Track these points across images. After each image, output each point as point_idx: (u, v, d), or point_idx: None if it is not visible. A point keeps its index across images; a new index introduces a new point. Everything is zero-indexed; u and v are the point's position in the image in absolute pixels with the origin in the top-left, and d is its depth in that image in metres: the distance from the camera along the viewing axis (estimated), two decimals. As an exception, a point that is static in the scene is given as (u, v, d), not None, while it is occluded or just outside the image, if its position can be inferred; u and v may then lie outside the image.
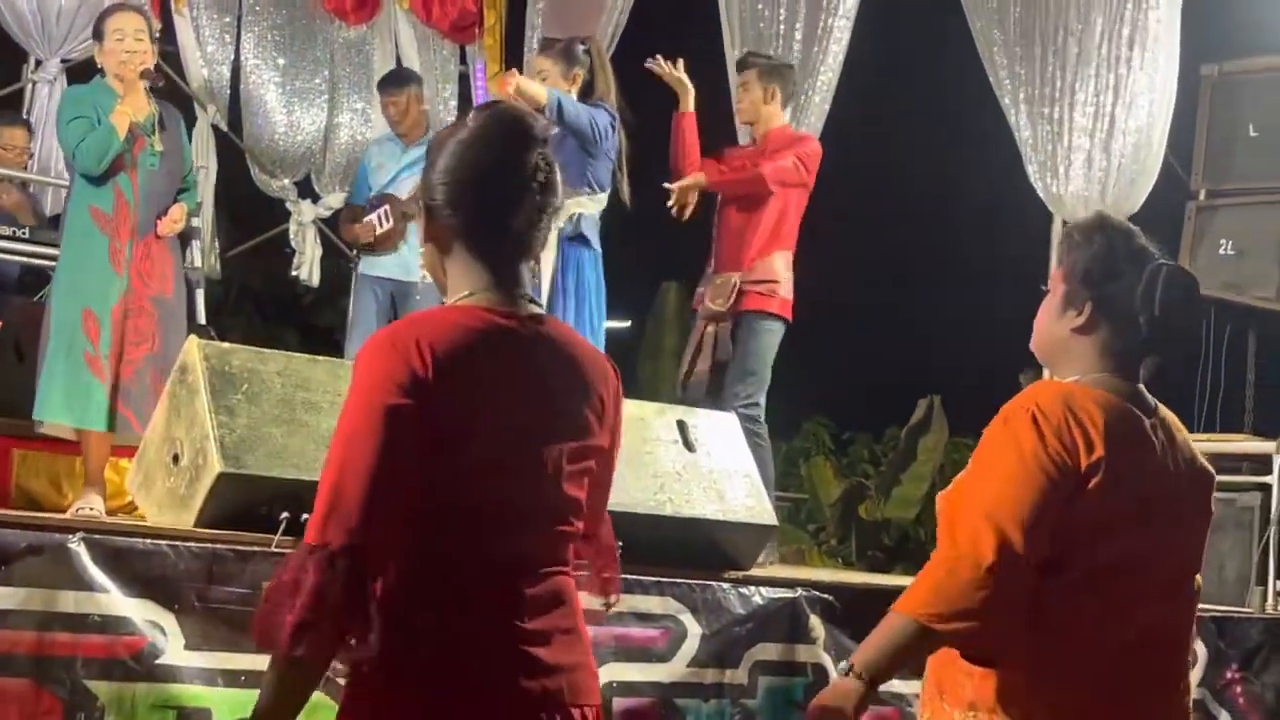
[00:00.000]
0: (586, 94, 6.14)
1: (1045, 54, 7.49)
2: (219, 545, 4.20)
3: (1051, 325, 2.89)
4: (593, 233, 6.20)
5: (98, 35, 5.63)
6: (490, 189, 2.39)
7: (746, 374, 6.37)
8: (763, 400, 6.42)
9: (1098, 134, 7.39)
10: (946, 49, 9.08)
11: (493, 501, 2.30)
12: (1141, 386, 2.86)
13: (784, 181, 6.39)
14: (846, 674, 2.69)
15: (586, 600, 2.54)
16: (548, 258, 5.95)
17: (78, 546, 4.09)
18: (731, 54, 8.40)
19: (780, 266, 6.41)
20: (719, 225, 6.58)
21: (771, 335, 6.44)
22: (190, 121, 7.22)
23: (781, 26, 8.29)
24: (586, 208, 6.15)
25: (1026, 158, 7.55)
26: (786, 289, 6.42)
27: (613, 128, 6.13)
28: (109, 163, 5.36)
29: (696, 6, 8.77)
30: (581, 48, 6.20)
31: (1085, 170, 7.45)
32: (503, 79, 6.25)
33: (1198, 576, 2.91)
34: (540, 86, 5.99)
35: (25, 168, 8.09)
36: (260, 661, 4.27)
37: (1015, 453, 2.69)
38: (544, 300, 5.79)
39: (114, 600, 4.13)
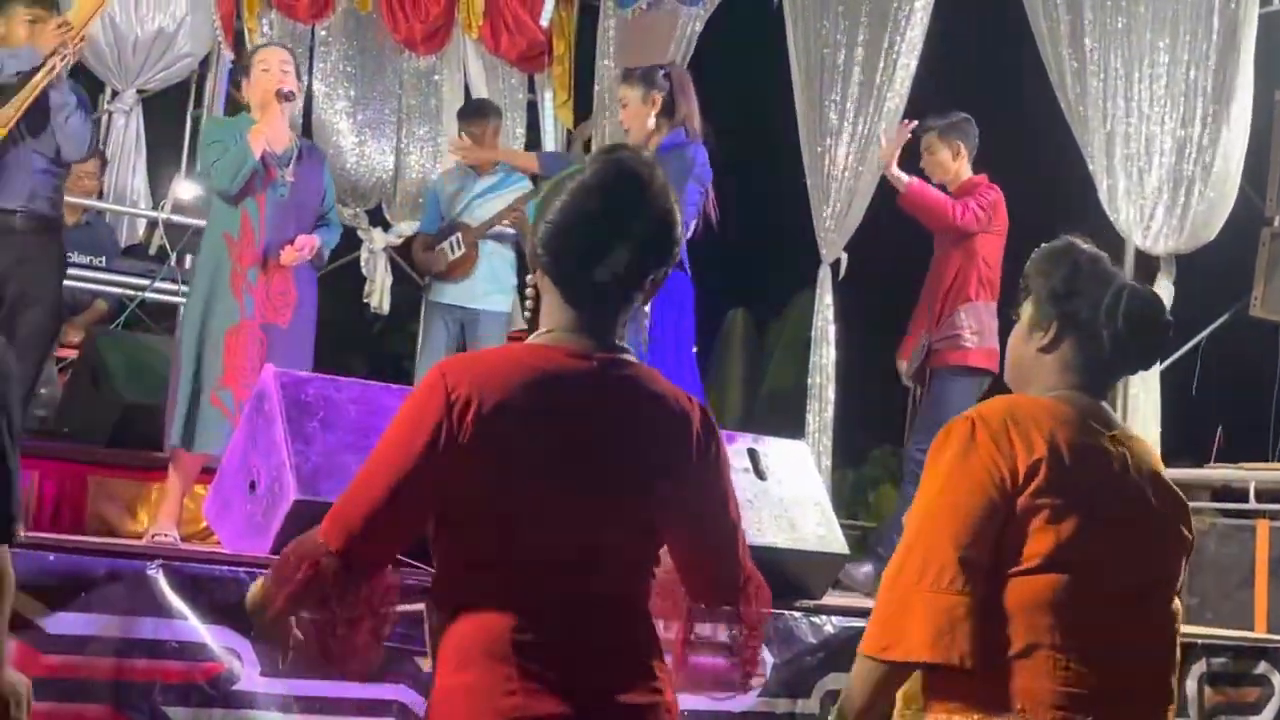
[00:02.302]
0: (668, 117, 6.13)
1: (1121, 83, 7.42)
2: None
3: (1019, 347, 2.87)
4: (684, 258, 6.15)
5: (244, 71, 5.78)
6: (582, 238, 2.37)
7: (927, 421, 6.34)
8: None
9: (1174, 162, 7.32)
10: (1016, 75, 9.04)
11: (534, 544, 2.29)
12: (1104, 404, 2.83)
13: (968, 222, 6.33)
14: None
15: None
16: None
17: (156, 573, 4.13)
18: (799, 79, 8.41)
19: (965, 318, 6.38)
20: (925, 287, 6.59)
21: (958, 386, 6.37)
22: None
23: (842, 52, 8.28)
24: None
25: (1099, 186, 7.49)
26: (974, 340, 6.36)
27: (704, 163, 6.08)
28: (242, 181, 5.42)
29: (763, 32, 8.78)
30: (661, 73, 6.21)
31: (1159, 198, 7.38)
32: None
33: (1176, 601, 2.86)
34: None
35: (98, 196, 8.20)
36: (336, 688, 4.31)
37: (949, 464, 2.66)
38: (645, 332, 5.77)
39: (191, 626, 4.16)
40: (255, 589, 2.44)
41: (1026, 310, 2.87)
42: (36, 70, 5.47)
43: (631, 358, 2.43)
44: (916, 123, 6.25)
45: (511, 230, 7.29)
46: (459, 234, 7.32)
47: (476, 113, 7.73)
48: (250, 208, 5.47)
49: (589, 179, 2.39)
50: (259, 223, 5.47)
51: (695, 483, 2.44)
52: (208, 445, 5.24)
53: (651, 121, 6.07)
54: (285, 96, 5.54)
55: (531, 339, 2.42)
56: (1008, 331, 2.95)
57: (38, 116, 5.54)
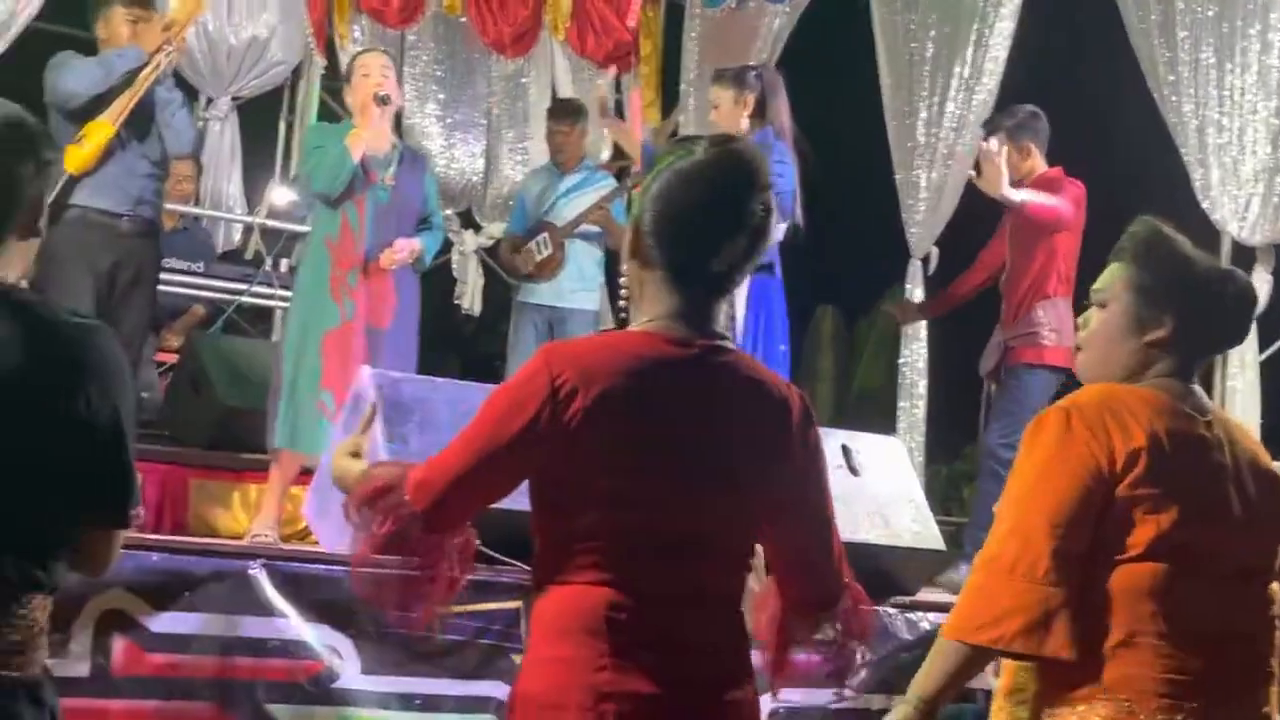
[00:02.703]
0: (759, 118, 6.14)
1: (1213, 72, 7.32)
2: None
3: (1113, 337, 2.82)
4: (775, 259, 6.15)
5: (346, 77, 5.85)
6: (698, 229, 2.38)
7: (1003, 413, 6.30)
8: (1013, 440, 6.33)
9: (1269, 151, 7.21)
10: (1106, 67, 8.95)
11: (634, 527, 2.31)
12: (1196, 388, 2.80)
13: (1047, 218, 6.31)
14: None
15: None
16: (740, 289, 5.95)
17: (258, 573, 4.20)
18: (886, 74, 8.38)
19: (1041, 316, 6.34)
20: (1003, 285, 6.56)
21: (1036, 383, 6.33)
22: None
23: (930, 46, 8.23)
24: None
25: (1193, 177, 7.40)
26: (1052, 337, 6.32)
27: (785, 162, 6.07)
28: (341, 184, 5.48)
29: (849, 27, 8.76)
30: (753, 74, 6.20)
31: (1254, 188, 7.28)
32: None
33: (1275, 584, 2.83)
34: None
35: (194, 201, 8.32)
36: (434, 685, 4.36)
37: (1044, 453, 2.65)
38: (739, 328, 5.78)
39: (293, 625, 4.23)
40: (340, 468, 2.59)
41: (1121, 300, 2.84)
42: (142, 68, 5.55)
43: (731, 345, 2.44)
44: (996, 144, 6.18)
45: (597, 229, 7.32)
46: (545, 234, 7.35)
47: (566, 112, 7.75)
48: (350, 212, 5.53)
49: (705, 169, 2.38)
50: (359, 227, 5.53)
51: (797, 473, 2.44)
52: (308, 446, 5.28)
53: (745, 124, 6.07)
54: (383, 100, 5.59)
55: (633, 327, 2.44)
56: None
57: (142, 118, 5.60)
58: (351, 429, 4.65)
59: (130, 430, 2.44)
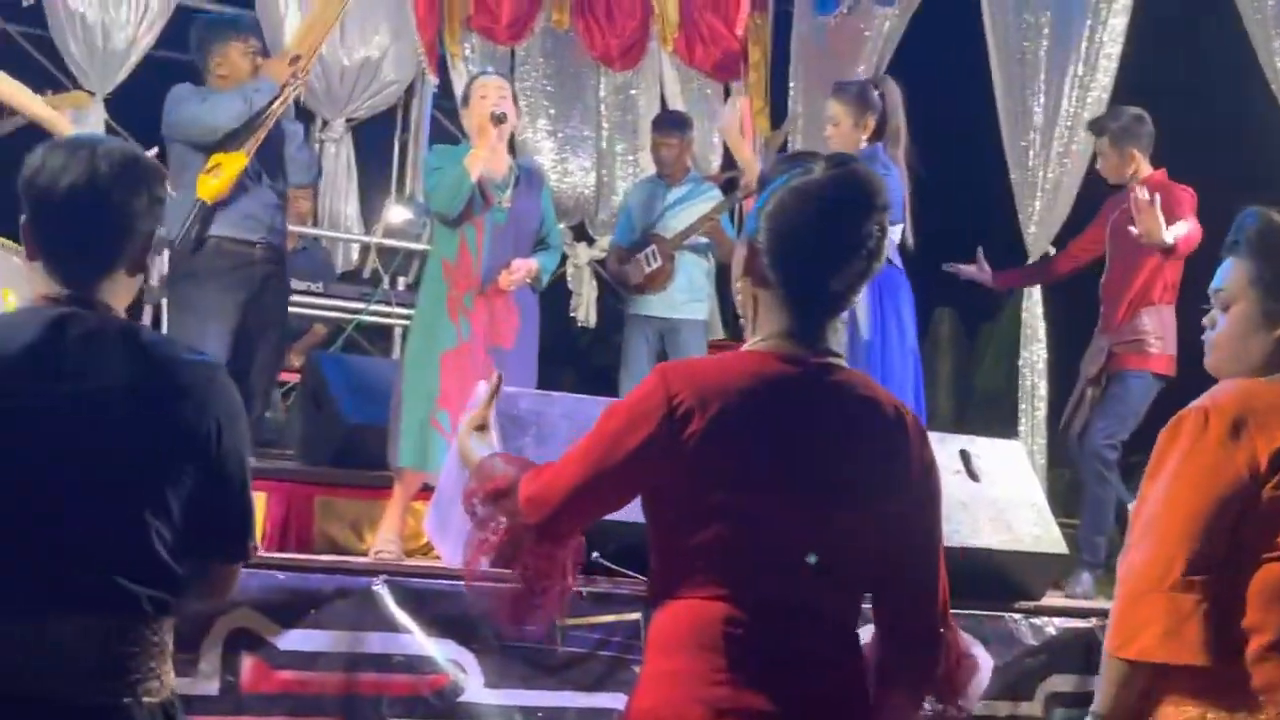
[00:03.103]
0: (877, 136, 6.10)
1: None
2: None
3: (1246, 340, 2.77)
4: (895, 255, 6.10)
5: (463, 101, 5.90)
6: (815, 249, 2.37)
7: (1106, 414, 6.24)
8: (1117, 440, 6.27)
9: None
10: (1221, 62, 8.80)
11: (750, 544, 2.31)
12: None
13: (1193, 245, 6.25)
14: None
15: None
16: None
17: (381, 589, 4.25)
18: (998, 73, 8.30)
19: (1148, 322, 6.28)
20: (1103, 287, 6.51)
21: (1140, 388, 6.27)
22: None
23: (1043, 43, 8.14)
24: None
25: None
26: (1158, 345, 6.26)
27: (890, 171, 6.02)
28: (461, 204, 5.52)
29: (959, 27, 8.68)
30: (876, 92, 6.15)
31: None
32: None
33: None
34: None
35: (311, 222, 8.44)
36: (557, 698, 4.39)
37: (1181, 456, 2.61)
38: (864, 331, 5.74)
39: (416, 640, 4.27)
40: (465, 446, 2.64)
41: (1246, 297, 2.77)
42: (273, 101, 5.62)
43: (842, 362, 2.43)
44: (1146, 193, 6.12)
45: (705, 239, 7.32)
46: (654, 246, 7.36)
47: (672, 124, 7.76)
48: (468, 233, 5.58)
49: (823, 189, 2.37)
50: (477, 248, 5.57)
51: (912, 491, 2.41)
52: (427, 464, 5.32)
53: (863, 145, 6.01)
54: (498, 119, 5.63)
55: (747, 345, 2.44)
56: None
57: (267, 148, 5.69)
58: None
59: (249, 467, 2.51)
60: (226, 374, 2.52)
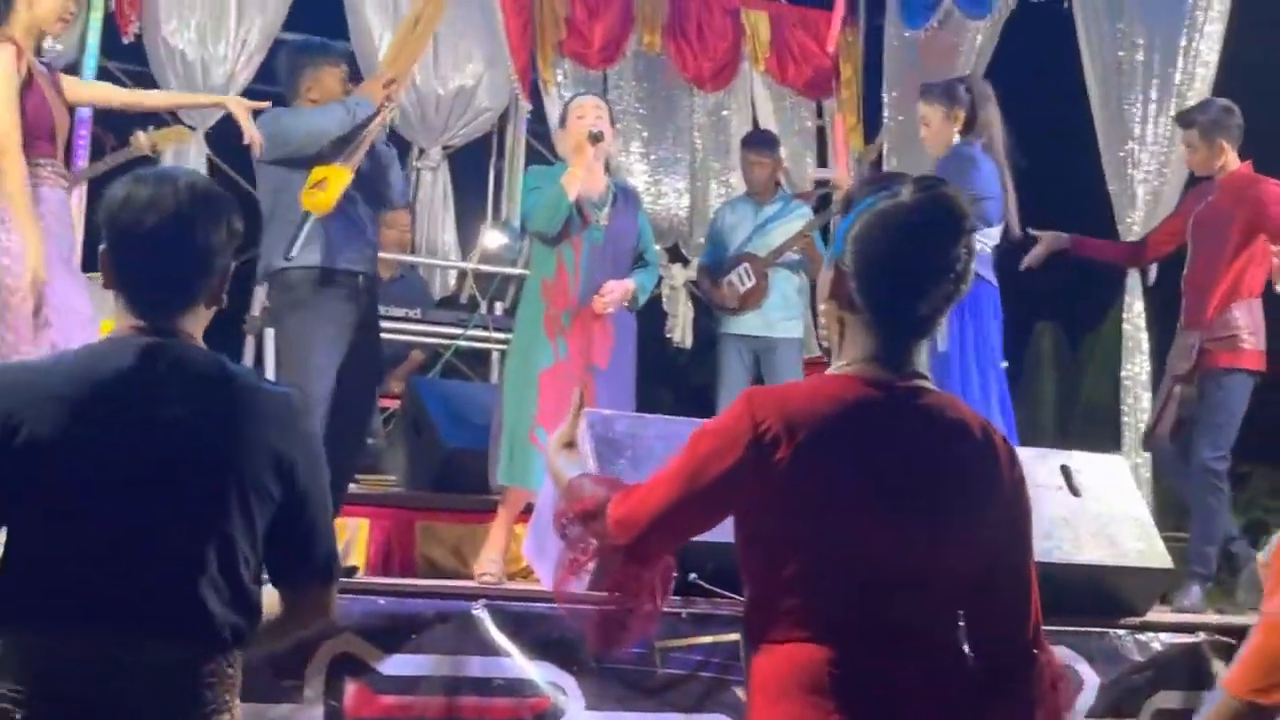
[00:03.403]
0: (968, 130, 6.08)
1: None
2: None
3: None
4: (987, 269, 6.07)
5: (560, 121, 5.97)
6: (902, 274, 2.37)
7: (1211, 427, 6.17)
8: (1226, 450, 6.19)
9: None
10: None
11: (845, 573, 2.29)
12: None
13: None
14: None
15: None
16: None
17: (481, 613, 4.28)
18: (1094, 83, 8.21)
19: (1240, 317, 6.20)
20: (1186, 280, 6.44)
21: (1236, 388, 6.21)
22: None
23: (1139, 52, 8.04)
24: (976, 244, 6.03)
25: None
26: (1251, 340, 6.19)
27: (984, 168, 5.99)
28: (559, 222, 5.57)
29: (1054, 37, 8.60)
30: (962, 86, 6.15)
31: None
32: None
33: None
34: None
35: (409, 250, 8.52)
36: (658, 719, 4.39)
37: None
38: (942, 344, 5.70)
39: (516, 664, 4.29)
40: (554, 465, 2.70)
41: None
42: (370, 120, 5.57)
43: (930, 385, 2.41)
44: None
45: (797, 256, 7.30)
46: (747, 265, 7.35)
47: (762, 143, 7.77)
48: (566, 253, 5.62)
49: (910, 213, 2.36)
50: (574, 268, 5.61)
51: (1004, 513, 2.39)
52: (529, 481, 5.32)
53: (955, 140, 6.02)
54: (595, 137, 5.66)
55: (833, 369, 2.43)
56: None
57: (365, 175, 5.60)
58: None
59: (328, 492, 2.55)
60: (306, 403, 2.56)
